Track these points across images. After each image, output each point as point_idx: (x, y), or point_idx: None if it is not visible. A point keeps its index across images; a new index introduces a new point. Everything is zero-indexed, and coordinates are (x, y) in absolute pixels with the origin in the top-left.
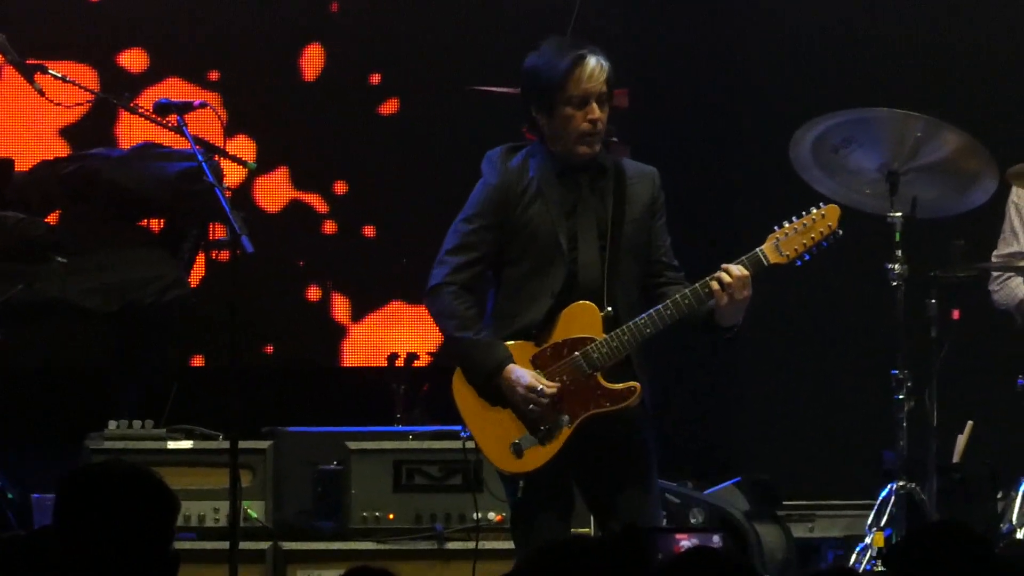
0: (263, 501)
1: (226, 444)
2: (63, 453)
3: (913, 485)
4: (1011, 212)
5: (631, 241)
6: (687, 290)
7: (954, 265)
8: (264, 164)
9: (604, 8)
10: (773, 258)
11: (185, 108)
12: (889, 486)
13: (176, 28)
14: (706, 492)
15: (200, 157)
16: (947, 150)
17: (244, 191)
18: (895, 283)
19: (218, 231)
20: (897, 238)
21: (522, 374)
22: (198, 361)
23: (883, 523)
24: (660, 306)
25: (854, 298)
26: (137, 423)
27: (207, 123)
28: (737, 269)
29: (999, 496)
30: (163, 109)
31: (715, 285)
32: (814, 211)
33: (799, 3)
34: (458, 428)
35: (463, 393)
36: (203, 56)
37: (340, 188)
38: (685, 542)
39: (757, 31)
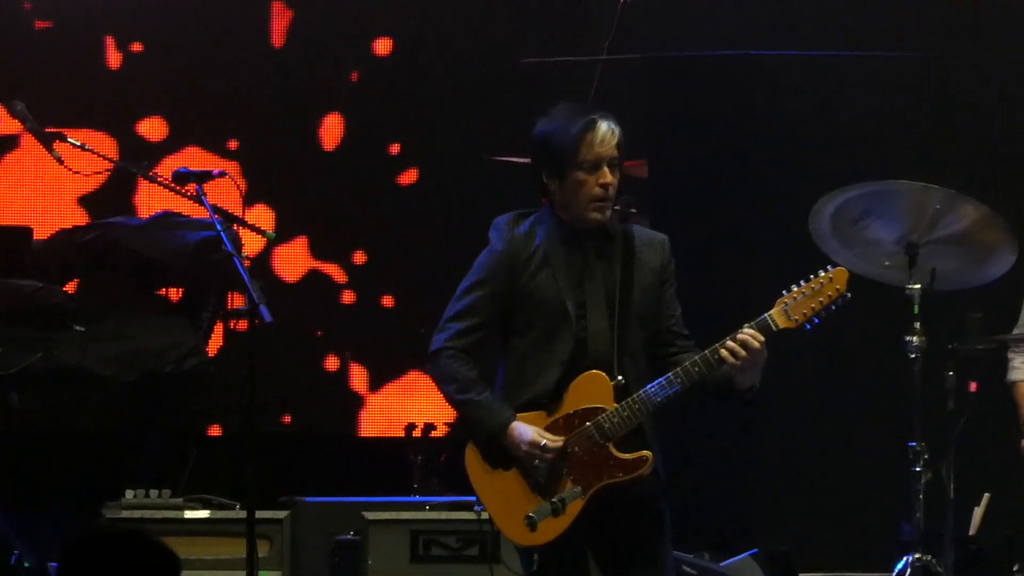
0: (280, 571)
1: (243, 514)
2: (80, 521)
3: (930, 557)
4: None
5: (640, 309)
6: (697, 357)
7: (972, 337)
8: (283, 234)
9: (623, 78)
10: (782, 323)
11: (204, 177)
12: (906, 558)
13: (195, 97)
14: (723, 564)
15: (219, 226)
16: (966, 222)
17: (263, 260)
18: (913, 355)
19: (236, 300)
20: (915, 310)
21: (525, 430)
22: (215, 430)
23: None
24: (671, 374)
25: (872, 369)
26: (154, 492)
27: (226, 192)
28: (745, 334)
29: (1016, 568)
30: (182, 178)
31: (724, 352)
32: (822, 274)
33: (820, 74)
34: (475, 499)
35: (475, 463)
36: (222, 125)
37: (359, 258)
38: None
39: (778, 101)
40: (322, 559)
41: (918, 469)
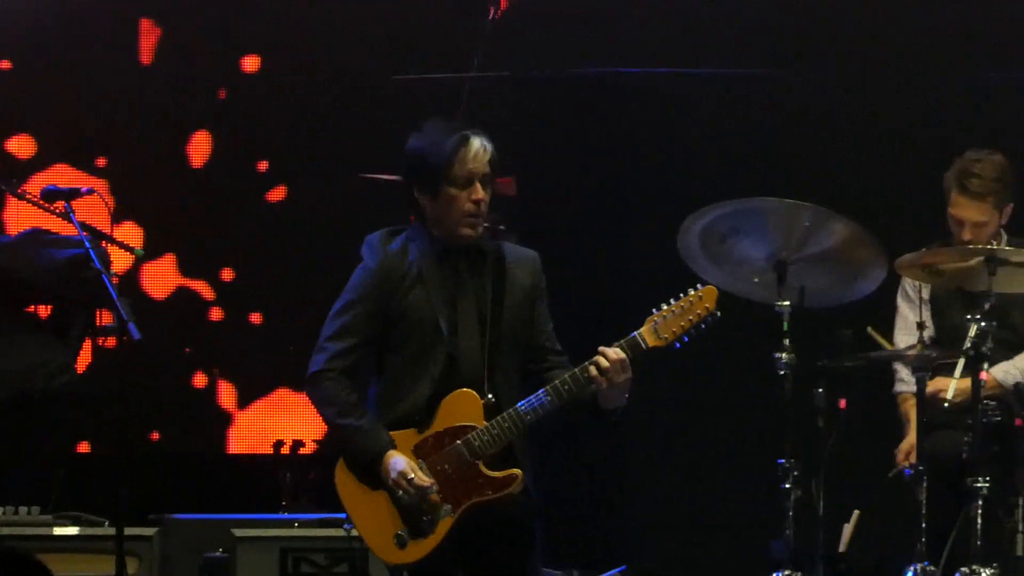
0: None
1: (112, 531)
2: None
3: (800, 574)
4: (902, 304)
5: (512, 327)
6: (567, 375)
7: (842, 354)
8: (151, 251)
9: (493, 95)
10: (652, 341)
11: (73, 194)
12: (776, 575)
13: (63, 114)
14: None
15: (87, 244)
16: (835, 239)
17: (131, 277)
18: (783, 372)
19: (105, 317)
20: (785, 327)
21: (397, 462)
22: (84, 447)
23: None
24: (541, 392)
25: (742, 386)
26: (23, 509)
27: (94, 210)
28: (614, 352)
29: None
30: (51, 195)
31: (593, 370)
32: (691, 293)
33: (688, 91)
34: (344, 516)
35: (345, 482)
36: (91, 142)
37: (227, 275)
38: None
39: (647, 119)
40: None
41: (788, 486)
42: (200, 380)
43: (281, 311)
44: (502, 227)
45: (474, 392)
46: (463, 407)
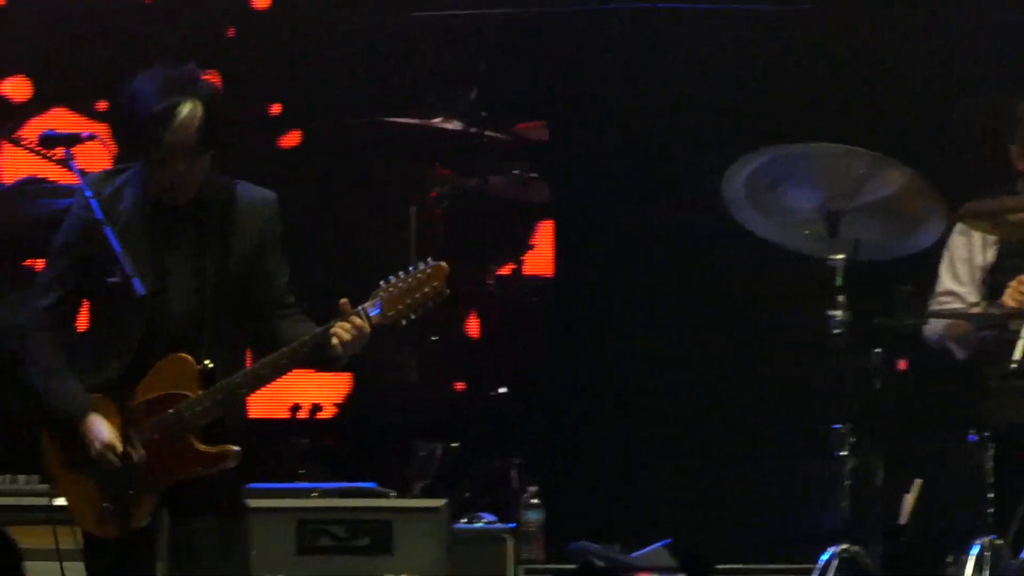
0: (161, 562)
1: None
2: None
3: (857, 548)
4: (958, 240)
5: (235, 285)
6: (308, 338)
7: (900, 312)
8: None
9: (517, 32)
10: (375, 319)
11: (72, 140)
12: (831, 550)
13: (62, 54)
14: (634, 554)
15: (88, 193)
16: (892, 188)
17: None
18: (836, 331)
19: None
20: (839, 282)
21: (101, 430)
22: None
23: None
24: (257, 364)
25: (792, 347)
26: (22, 477)
27: (96, 156)
28: (355, 327)
29: (949, 560)
30: (48, 141)
31: (337, 346)
32: (420, 268)
33: (734, 28)
34: (370, 484)
35: (50, 448)
36: (91, 84)
37: None
38: None
39: (687, 57)
40: None
41: (843, 454)
42: None
43: (296, 263)
44: (534, 175)
45: (189, 358)
46: (176, 373)
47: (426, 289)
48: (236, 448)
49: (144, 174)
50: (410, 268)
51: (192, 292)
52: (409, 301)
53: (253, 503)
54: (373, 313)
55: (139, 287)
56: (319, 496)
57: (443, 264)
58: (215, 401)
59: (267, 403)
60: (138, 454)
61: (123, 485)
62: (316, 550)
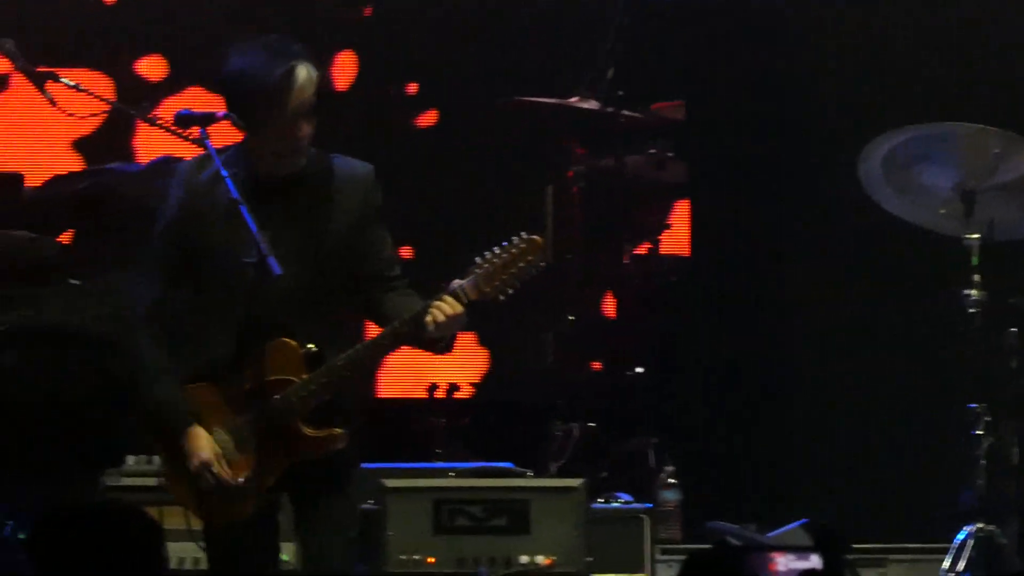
0: (293, 543)
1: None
2: (78, 490)
3: (993, 527)
4: None
5: (337, 261)
6: (388, 331)
7: None
8: None
9: (657, 13)
10: (472, 294)
11: (208, 119)
12: (967, 529)
13: (198, 33)
14: (770, 534)
15: (224, 172)
16: None
17: None
18: (972, 310)
19: None
20: (974, 262)
21: (202, 445)
22: None
23: (960, 568)
24: (360, 346)
25: (926, 326)
26: (157, 458)
27: (231, 135)
28: (450, 307)
29: None
30: (184, 120)
31: (429, 319)
32: (515, 242)
33: (868, 10)
34: (507, 464)
35: (158, 437)
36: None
37: None
38: (781, 560)
39: (824, 36)
40: None
41: (979, 432)
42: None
43: (431, 243)
44: (670, 154)
45: (292, 342)
46: (280, 359)
47: (521, 263)
48: (342, 431)
49: (250, 150)
50: (504, 243)
51: (294, 273)
52: (505, 276)
53: (390, 483)
54: (467, 288)
55: (275, 267)
56: (456, 476)
57: (538, 237)
58: (320, 385)
59: (404, 383)
60: (235, 479)
61: (235, 470)
62: (453, 530)
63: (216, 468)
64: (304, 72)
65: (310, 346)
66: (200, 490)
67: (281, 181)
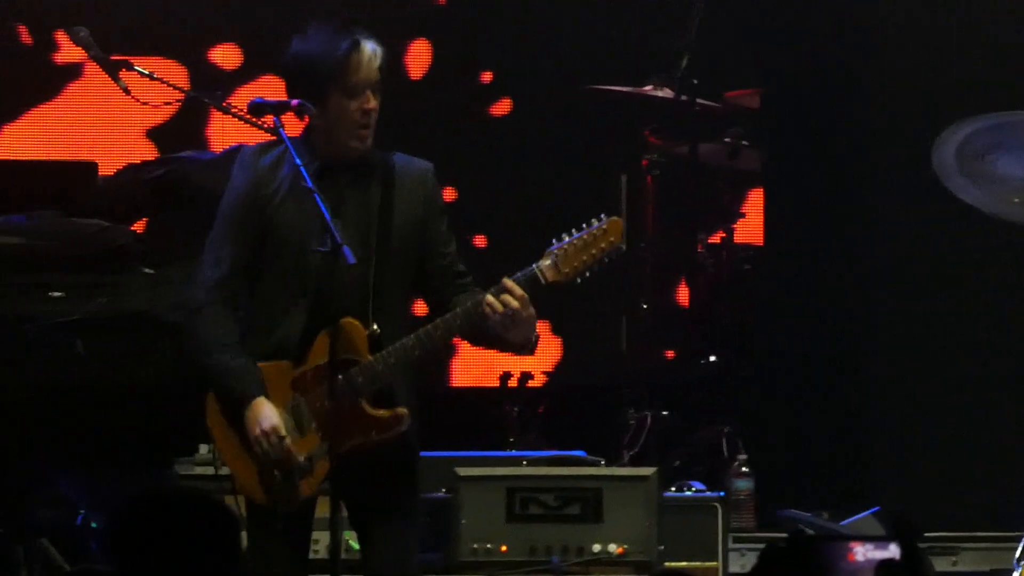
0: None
1: None
2: (151, 478)
3: None
4: None
5: (401, 248)
6: (460, 310)
7: None
8: None
9: (732, 5)
10: (551, 276)
11: (282, 108)
12: None
13: (272, 21)
14: (843, 523)
15: (297, 160)
16: None
17: None
18: None
19: None
20: None
21: (268, 414)
22: None
23: None
24: (430, 326)
25: (1003, 316)
26: None
27: (305, 124)
28: (505, 288)
29: None
30: (258, 109)
31: (487, 310)
32: (596, 224)
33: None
34: (580, 452)
35: (214, 415)
36: None
37: (448, 194)
38: (859, 549)
39: (897, 20)
40: None
41: None
42: (421, 308)
43: (505, 233)
44: (745, 143)
45: (358, 322)
46: (345, 338)
47: (602, 244)
48: (406, 410)
49: (316, 136)
50: (583, 225)
51: (360, 255)
52: (585, 257)
53: (463, 471)
54: (545, 270)
55: (349, 255)
56: (529, 464)
57: (617, 219)
58: (386, 365)
59: (478, 371)
60: (287, 453)
61: (296, 449)
62: (526, 518)
63: (284, 438)
64: (369, 45)
65: (375, 327)
66: (262, 474)
67: (344, 171)
